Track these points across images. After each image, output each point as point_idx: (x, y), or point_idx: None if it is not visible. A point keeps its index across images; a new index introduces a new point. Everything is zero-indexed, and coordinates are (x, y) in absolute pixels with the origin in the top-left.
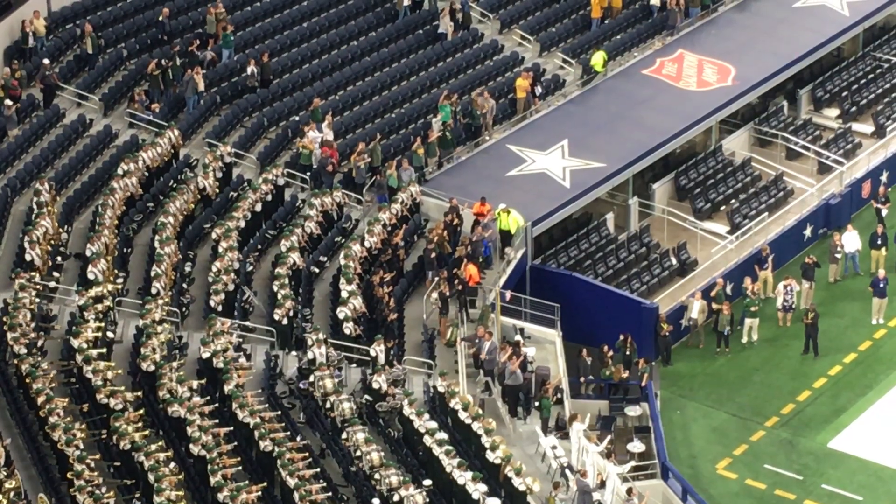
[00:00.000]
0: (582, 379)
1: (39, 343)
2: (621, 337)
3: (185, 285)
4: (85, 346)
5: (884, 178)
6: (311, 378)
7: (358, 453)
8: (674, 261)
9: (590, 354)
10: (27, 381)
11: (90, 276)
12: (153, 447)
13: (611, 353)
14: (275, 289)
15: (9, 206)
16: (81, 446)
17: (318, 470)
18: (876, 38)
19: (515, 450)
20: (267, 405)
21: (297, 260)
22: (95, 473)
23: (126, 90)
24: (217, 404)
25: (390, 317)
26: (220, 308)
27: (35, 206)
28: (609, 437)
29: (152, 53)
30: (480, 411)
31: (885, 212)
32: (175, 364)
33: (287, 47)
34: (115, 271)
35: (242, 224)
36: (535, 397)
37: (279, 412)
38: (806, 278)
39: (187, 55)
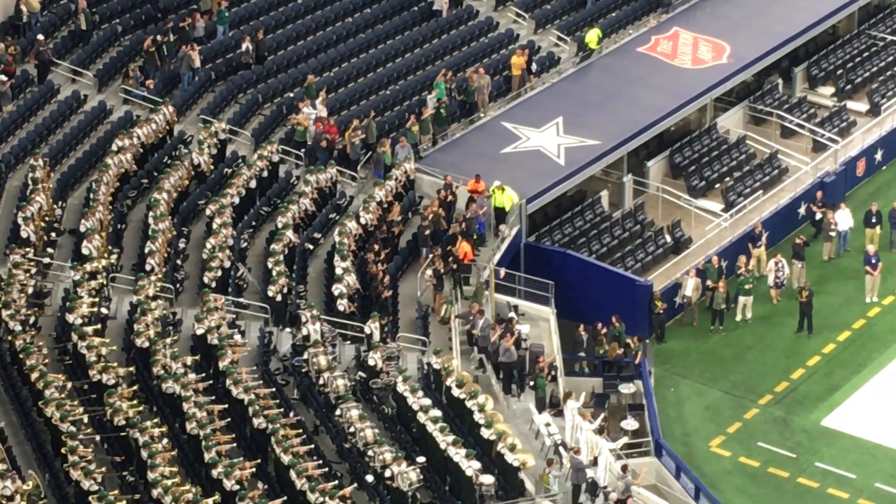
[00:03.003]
0: (581, 355)
1: (33, 319)
2: (613, 320)
3: (179, 262)
4: (79, 321)
5: (878, 156)
6: (305, 355)
7: (352, 430)
8: (668, 238)
9: (585, 331)
10: (21, 357)
11: (84, 252)
12: (147, 423)
13: (605, 330)
14: (269, 265)
15: (3, 183)
16: (77, 422)
17: (312, 447)
18: (871, 16)
19: (510, 427)
20: (261, 382)
21: (292, 237)
22: (89, 449)
23: (121, 66)
24: (211, 381)
25: (385, 294)
26: (214, 284)
27: (29, 182)
28: (603, 415)
29: (147, 30)
30: (477, 388)
31: (818, 216)
32: (169, 340)
33: (282, 24)
34: (110, 247)
35: (237, 200)
36: (530, 375)
37: (273, 389)
38: (797, 258)
39: (181, 32)
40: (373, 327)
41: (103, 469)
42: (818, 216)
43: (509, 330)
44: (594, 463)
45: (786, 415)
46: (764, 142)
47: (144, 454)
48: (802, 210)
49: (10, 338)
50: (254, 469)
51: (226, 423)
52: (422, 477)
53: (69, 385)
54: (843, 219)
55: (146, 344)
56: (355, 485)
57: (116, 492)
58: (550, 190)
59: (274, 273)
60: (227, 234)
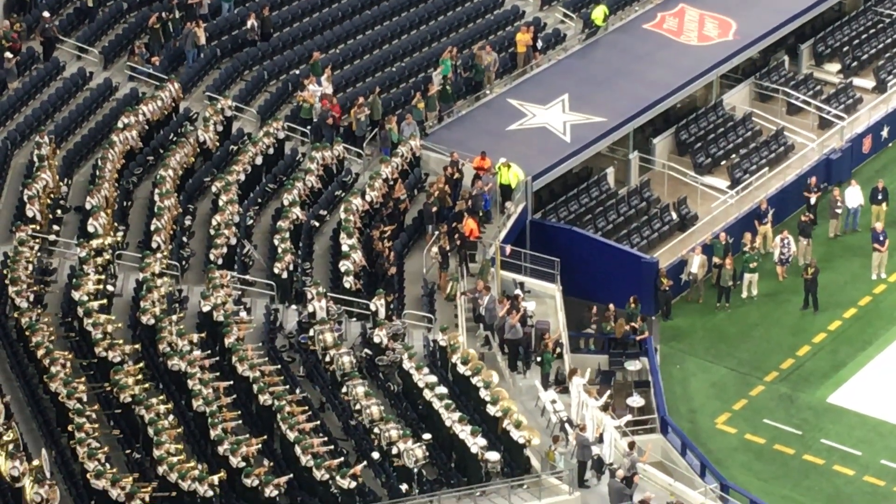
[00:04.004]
0: (592, 328)
1: (39, 296)
2: (630, 300)
3: (185, 239)
4: (85, 298)
5: (884, 132)
6: (311, 332)
7: (357, 407)
8: (674, 215)
9: (596, 314)
10: (27, 334)
11: (90, 230)
12: (153, 400)
13: (615, 311)
14: (275, 242)
15: (9, 160)
16: (84, 399)
17: (318, 424)
18: None
19: (515, 404)
20: (267, 359)
21: (298, 214)
22: (96, 426)
23: (126, 43)
24: (217, 358)
25: (390, 271)
26: (220, 261)
27: (35, 160)
28: (608, 392)
29: (152, 7)
30: (481, 365)
31: (813, 200)
32: (175, 317)
33: (287, 1)
34: (115, 224)
35: (242, 178)
36: (535, 351)
37: (279, 366)
38: (803, 235)
39: (187, 8)
40: (378, 304)
41: (106, 448)
42: (813, 201)
43: (515, 307)
44: (600, 440)
45: (791, 392)
46: (770, 119)
47: (150, 431)
48: (810, 181)
49: (16, 315)
50: (260, 446)
51: (232, 400)
52: (427, 454)
53: (75, 362)
54: (853, 196)
55: (152, 321)
56: (364, 462)
57: (115, 469)
58: (556, 167)
59: (280, 250)
60: (232, 212)
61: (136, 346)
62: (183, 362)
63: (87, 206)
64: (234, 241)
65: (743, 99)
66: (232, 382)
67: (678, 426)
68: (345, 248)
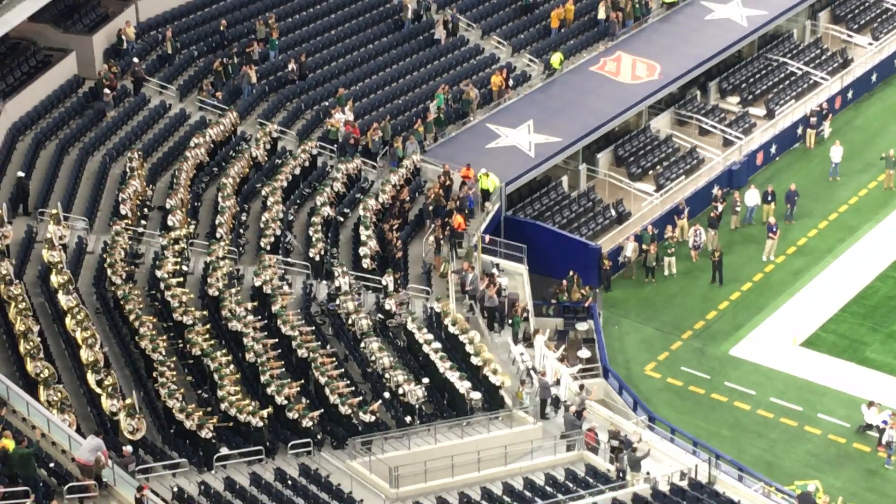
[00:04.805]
0: (554, 301)
1: (130, 274)
2: (570, 273)
3: (241, 230)
4: (166, 276)
5: (773, 149)
6: (338, 301)
7: (373, 358)
8: (613, 212)
9: (557, 286)
10: (121, 303)
11: (169, 224)
12: (217, 353)
13: (565, 283)
14: (310, 233)
15: (107, 171)
16: (163, 353)
17: (343, 371)
18: (768, 42)
19: (492, 356)
20: (304, 321)
21: (328, 211)
22: (174, 373)
23: (197, 82)
24: (266, 321)
25: (397, 255)
26: (268, 248)
27: (127, 171)
28: (563, 347)
29: (216, 54)
30: (467, 326)
31: (720, 208)
32: (234, 290)
33: (319, 49)
34: (188, 220)
35: (285, 184)
36: (508, 316)
37: (313, 327)
38: (711, 227)
39: (243, 55)
40: (388, 280)
41: (182, 390)
42: (720, 208)
43: (492, 282)
44: (557, 383)
45: (702, 346)
46: (686, 139)
47: (215, 377)
48: (715, 191)
49: (112, 288)
50: (298, 388)
51: (276, 353)
52: (426, 393)
53: (158, 324)
54: (752, 197)
55: (216, 293)
56: (380, 401)
57: (190, 406)
58: (523, 176)
59: (313, 239)
60: (278, 210)
61: (205, 312)
62: (240, 324)
63: (167, 206)
64: (279, 232)
65: (665, 124)
66: (277, 340)
67: (616, 372)
68: (363, 237)
